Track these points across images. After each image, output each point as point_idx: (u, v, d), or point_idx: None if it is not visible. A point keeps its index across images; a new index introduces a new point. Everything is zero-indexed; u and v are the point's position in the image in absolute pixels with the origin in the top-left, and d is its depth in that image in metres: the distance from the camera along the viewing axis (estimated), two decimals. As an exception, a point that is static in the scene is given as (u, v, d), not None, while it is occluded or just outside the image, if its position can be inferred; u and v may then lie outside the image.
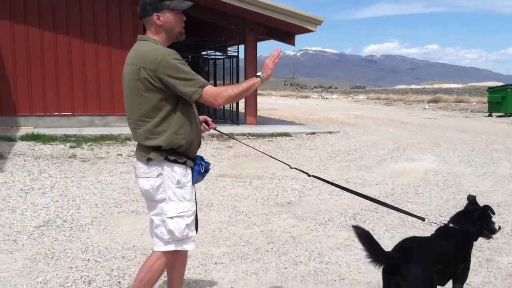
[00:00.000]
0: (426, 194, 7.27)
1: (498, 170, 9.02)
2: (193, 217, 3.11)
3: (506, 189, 7.48)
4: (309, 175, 3.80)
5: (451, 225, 3.28)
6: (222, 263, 4.57)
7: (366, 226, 5.72)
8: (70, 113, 13.98)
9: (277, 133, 13.48)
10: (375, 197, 4.31)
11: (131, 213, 6.18)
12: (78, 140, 11.67)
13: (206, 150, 10.92)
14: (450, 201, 6.85)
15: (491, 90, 23.57)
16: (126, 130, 12.84)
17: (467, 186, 7.74)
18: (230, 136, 4.33)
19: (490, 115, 22.76)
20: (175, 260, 3.27)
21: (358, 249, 4.96)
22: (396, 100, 37.60)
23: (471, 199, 3.49)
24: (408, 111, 27.61)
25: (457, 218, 3.33)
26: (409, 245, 3.01)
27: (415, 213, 3.93)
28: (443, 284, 3.16)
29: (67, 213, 6.09)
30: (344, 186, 4.19)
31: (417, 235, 5.40)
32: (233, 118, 16.26)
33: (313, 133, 13.88)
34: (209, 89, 2.95)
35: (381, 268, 2.88)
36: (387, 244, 5.10)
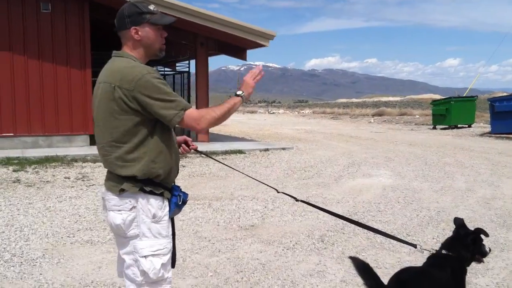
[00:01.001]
0: (389, 212, 7.18)
1: (454, 185, 9.09)
2: (169, 255, 2.79)
3: (466, 205, 7.50)
4: (297, 200, 3.59)
5: (443, 251, 3.11)
6: (191, 298, 4.26)
7: (335, 249, 5.56)
8: (12, 134, 13.21)
9: (231, 150, 13.19)
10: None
11: (86, 243, 5.75)
12: (22, 163, 11.00)
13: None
14: (414, 219, 6.78)
15: (435, 103, 24.19)
16: (72, 151, 12.33)
17: (427, 202, 7.71)
18: (210, 157, 3.93)
19: (434, 128, 23.33)
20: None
21: (331, 275, 4.79)
22: (341, 114, 38.11)
23: (459, 222, 3.34)
24: (354, 124, 27.99)
25: (450, 244, 3.17)
26: (406, 278, 2.82)
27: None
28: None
29: (15, 245, 5.59)
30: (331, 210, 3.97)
31: (387, 256, 5.31)
32: (184, 135, 15.87)
33: (267, 150, 13.71)
34: (191, 113, 2.65)
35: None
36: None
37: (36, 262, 5.07)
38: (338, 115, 37.58)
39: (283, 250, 5.54)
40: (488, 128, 21.28)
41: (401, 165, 11.54)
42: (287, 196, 7.86)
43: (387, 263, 5.08)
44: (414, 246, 3.27)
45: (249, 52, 16.06)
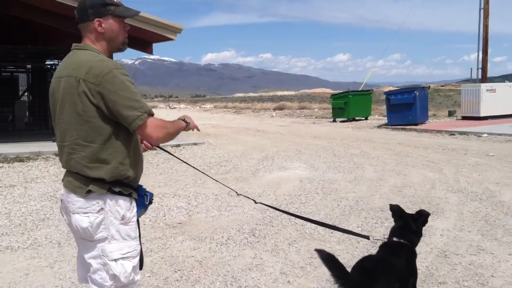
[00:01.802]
0: (311, 203, 7.38)
1: (365, 175, 9.52)
2: (138, 257, 2.69)
3: (381, 193, 7.89)
4: (256, 202, 3.60)
5: (395, 239, 3.25)
6: (133, 300, 4.11)
7: (268, 242, 5.63)
8: None
9: (141, 147, 12.86)
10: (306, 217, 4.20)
11: (5, 249, 5.38)
12: None
13: (48, 170, 10.06)
14: (336, 209, 7.02)
15: (334, 96, 25.19)
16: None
17: (345, 192, 8.02)
18: (172, 154, 3.73)
19: (334, 121, 24.29)
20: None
21: (270, 268, 4.85)
22: (243, 108, 38.55)
23: (396, 208, 3.48)
24: (258, 119, 28.42)
25: (400, 231, 3.30)
26: (369, 266, 2.92)
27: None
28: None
29: None
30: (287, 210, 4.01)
31: (318, 246, 5.44)
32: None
33: (178, 145, 13.54)
34: (154, 119, 2.55)
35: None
36: (295, 259, 5.06)
37: (-46, 273, 4.66)
38: (240, 109, 37.96)
39: (216, 246, 5.52)
40: (383, 120, 22.54)
41: (312, 157, 11.89)
42: (210, 192, 7.85)
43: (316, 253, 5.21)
44: (367, 237, 3.39)
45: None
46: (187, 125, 2.81)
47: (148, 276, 4.63)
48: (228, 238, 5.77)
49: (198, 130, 2.98)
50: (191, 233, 5.97)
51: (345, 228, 6.09)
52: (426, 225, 3.45)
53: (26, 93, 20.53)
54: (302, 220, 6.39)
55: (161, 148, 3.20)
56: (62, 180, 2.72)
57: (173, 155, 3.33)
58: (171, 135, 2.67)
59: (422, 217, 3.36)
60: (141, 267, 2.76)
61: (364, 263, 3.01)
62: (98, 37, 2.62)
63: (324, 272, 4.66)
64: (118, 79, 2.46)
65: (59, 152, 2.67)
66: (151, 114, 2.54)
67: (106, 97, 2.45)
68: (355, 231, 5.95)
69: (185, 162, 3.61)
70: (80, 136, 2.52)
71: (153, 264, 4.95)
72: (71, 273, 4.66)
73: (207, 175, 3.80)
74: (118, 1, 2.65)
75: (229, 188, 3.81)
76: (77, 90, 2.47)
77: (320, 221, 4.27)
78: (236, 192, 3.67)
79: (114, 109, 2.46)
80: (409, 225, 3.31)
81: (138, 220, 2.78)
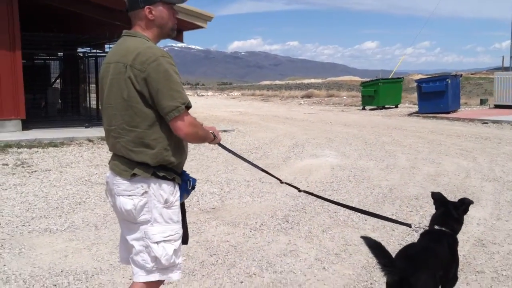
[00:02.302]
0: (344, 191, 7.34)
1: (398, 163, 9.43)
2: (180, 241, 2.72)
3: (415, 182, 7.80)
4: (299, 191, 3.59)
5: (436, 227, 3.21)
6: (170, 283, 4.16)
7: (301, 228, 5.63)
8: None
9: (172, 133, 12.98)
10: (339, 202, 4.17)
11: (44, 231, 5.49)
12: (-50, 150, 10.30)
13: (82, 155, 10.21)
14: (369, 196, 6.98)
15: (364, 84, 24.91)
16: (4, 137, 11.63)
17: (377, 180, 7.96)
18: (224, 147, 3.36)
19: (363, 109, 24.05)
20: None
21: (304, 254, 4.84)
22: (271, 96, 38.45)
23: (438, 196, 3.43)
24: (286, 106, 28.32)
25: (442, 219, 3.26)
26: (413, 254, 2.89)
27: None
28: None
29: (-32, 237, 5.25)
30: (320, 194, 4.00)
31: (353, 233, 5.43)
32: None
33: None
34: (189, 116, 2.57)
35: (389, 280, 2.72)
36: (329, 245, 5.05)
37: (-4, 254, 4.79)
38: (268, 97, 37.87)
39: (250, 231, 5.54)
40: (413, 108, 22.24)
41: (342, 145, 11.82)
42: (241, 178, 7.88)
43: (354, 239, 5.19)
44: (409, 225, 3.35)
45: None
46: (214, 138, 2.86)
47: (185, 260, 4.66)
48: (262, 224, 5.78)
49: (219, 144, 3.05)
50: (224, 219, 6.00)
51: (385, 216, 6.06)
52: (467, 213, 3.39)
53: (58, 80, 20.86)
54: (336, 207, 6.39)
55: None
56: (109, 163, 2.77)
57: (225, 147, 3.31)
58: (199, 138, 2.71)
59: (463, 205, 3.31)
60: (186, 242, 2.82)
61: (409, 251, 2.98)
62: (149, 24, 2.64)
63: (359, 259, 4.66)
64: (163, 68, 2.47)
65: (106, 136, 2.72)
66: (188, 107, 2.55)
67: (150, 84, 2.48)
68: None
69: (238, 155, 3.55)
70: (125, 121, 2.56)
71: (189, 248, 4.98)
72: (108, 255, 4.74)
73: (252, 163, 3.78)
74: None
75: (273, 176, 3.76)
76: (124, 76, 2.51)
77: (368, 210, 4.21)
78: (280, 180, 3.63)
79: (155, 97, 2.49)
80: (450, 213, 3.26)
81: (184, 203, 2.81)
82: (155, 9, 2.61)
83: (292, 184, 3.84)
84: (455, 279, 3.20)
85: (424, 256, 2.88)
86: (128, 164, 2.59)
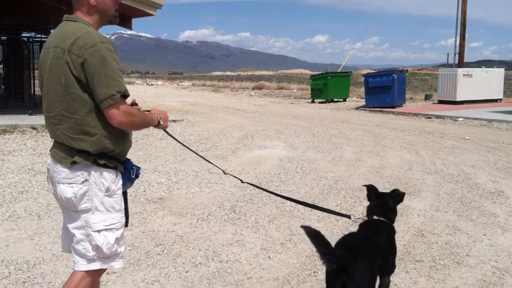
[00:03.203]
0: (291, 182, 7.44)
1: (344, 155, 9.62)
2: (122, 229, 2.70)
3: (359, 173, 7.99)
4: (242, 182, 3.65)
5: (375, 217, 3.31)
6: (115, 273, 4.12)
7: (248, 218, 5.68)
8: None
9: (119, 122, 12.77)
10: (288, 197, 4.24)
11: (-16, 221, 5.33)
12: None
13: (25, 143, 9.94)
14: (315, 188, 7.10)
15: (313, 77, 25.23)
16: None
17: (324, 172, 8.11)
18: (168, 134, 3.31)
19: (313, 101, 24.37)
20: (98, 281, 2.83)
21: (250, 243, 4.90)
22: (222, 86, 38.38)
23: (372, 188, 3.53)
24: (237, 98, 28.34)
25: (379, 209, 3.35)
26: (353, 243, 2.97)
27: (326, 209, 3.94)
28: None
29: None
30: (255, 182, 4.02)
31: (298, 223, 5.51)
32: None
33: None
34: (125, 105, 2.51)
35: (328, 268, 2.78)
36: (275, 235, 5.12)
37: None
38: (219, 88, 37.79)
39: (197, 221, 5.55)
40: (361, 102, 22.71)
41: (291, 137, 11.95)
42: (190, 169, 7.87)
43: (300, 229, 5.26)
44: (348, 217, 3.44)
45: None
46: (158, 124, 2.79)
47: (130, 250, 4.64)
48: (209, 214, 5.80)
49: (165, 130, 2.98)
50: (171, 209, 5.98)
51: (326, 207, 6.18)
52: (401, 204, 3.52)
53: (0, 66, 20.09)
54: (282, 198, 6.48)
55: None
56: (50, 150, 2.71)
57: (169, 134, 3.27)
58: (136, 125, 2.64)
59: (398, 196, 3.43)
60: (126, 223, 2.78)
61: (348, 240, 3.06)
62: (90, 9, 2.59)
63: (303, 248, 4.75)
64: (100, 54, 2.43)
65: (46, 123, 2.66)
66: (125, 96, 2.50)
67: (86, 70, 2.43)
68: (334, 209, 6.07)
69: (183, 144, 3.50)
70: (63, 107, 2.51)
71: (134, 238, 4.96)
72: (51, 245, 4.66)
73: (196, 153, 3.79)
74: None
75: (217, 166, 3.80)
76: (62, 61, 2.46)
77: (305, 201, 4.31)
78: (223, 171, 3.66)
79: (91, 83, 2.44)
80: (387, 204, 3.37)
81: (126, 192, 2.79)
82: None
83: (235, 175, 3.87)
84: (393, 267, 3.31)
85: (363, 245, 2.96)
86: (68, 152, 2.54)
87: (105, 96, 2.43)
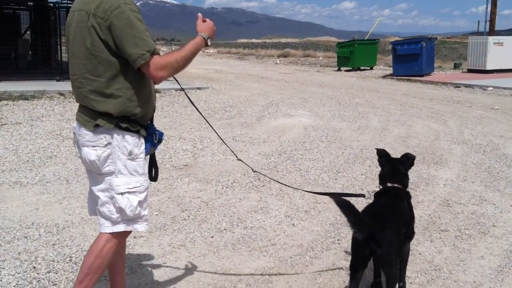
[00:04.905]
0: (315, 150, 7.43)
1: (369, 124, 9.54)
2: (146, 193, 2.73)
3: (385, 143, 7.92)
4: (254, 171, 3.79)
5: (389, 184, 3.28)
6: (142, 237, 4.21)
7: (273, 186, 5.70)
8: None
9: (145, 89, 12.82)
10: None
11: (14, 184, 5.46)
12: None
13: (53, 109, 10.07)
14: (340, 157, 7.08)
15: (340, 45, 24.86)
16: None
17: (349, 141, 8.06)
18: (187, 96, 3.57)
19: (339, 70, 24.07)
20: (124, 243, 2.88)
21: (274, 211, 4.93)
22: (247, 54, 38.15)
23: (384, 153, 3.48)
24: (262, 65, 28.16)
25: (393, 176, 3.31)
26: (379, 212, 2.97)
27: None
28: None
29: None
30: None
31: (322, 191, 5.52)
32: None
33: (182, 89, 13.46)
34: (157, 59, 2.49)
35: (356, 236, 2.79)
36: (299, 203, 5.14)
37: (-35, 206, 4.75)
38: (244, 55, 37.56)
39: (222, 188, 5.60)
40: (388, 71, 22.35)
41: (316, 105, 11.87)
42: (215, 136, 7.91)
43: (324, 198, 5.28)
44: (363, 195, 3.43)
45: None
46: (206, 44, 2.72)
47: (156, 215, 4.72)
48: (234, 181, 5.84)
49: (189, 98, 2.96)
50: (197, 175, 6.04)
51: (349, 175, 6.18)
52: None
53: (28, 32, 20.24)
54: (307, 165, 6.48)
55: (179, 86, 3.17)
56: (76, 114, 2.75)
57: (188, 96, 3.29)
58: (181, 67, 2.59)
59: (409, 160, 3.39)
60: (155, 178, 2.93)
61: (374, 208, 3.06)
62: None
63: (327, 216, 4.77)
64: (125, 15, 2.43)
65: (71, 86, 2.68)
66: (155, 54, 2.49)
67: (113, 32, 2.44)
68: (358, 178, 6.07)
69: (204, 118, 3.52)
70: (87, 70, 2.53)
71: (161, 204, 5.03)
72: (80, 209, 4.76)
73: (215, 131, 3.79)
74: None
75: (232, 151, 3.85)
76: (87, 24, 2.47)
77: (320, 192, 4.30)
78: (236, 157, 3.66)
79: (120, 45, 2.45)
80: (399, 169, 3.34)
81: (154, 154, 2.83)
82: None
83: (247, 164, 3.94)
84: (412, 234, 3.31)
85: (389, 213, 2.96)
86: (91, 115, 2.57)
87: (136, 56, 2.44)
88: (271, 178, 4.16)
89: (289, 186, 4.67)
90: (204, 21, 2.80)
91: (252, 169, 3.73)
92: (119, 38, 2.44)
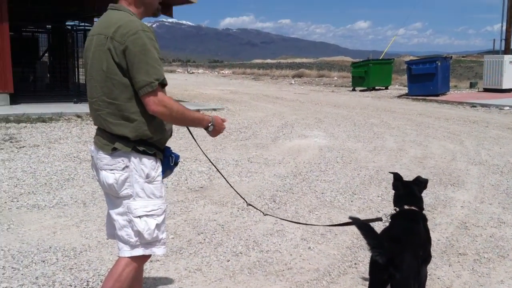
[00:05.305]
0: (331, 172, 7.41)
1: (385, 145, 9.51)
2: (163, 216, 2.75)
3: (401, 164, 7.89)
4: (264, 214, 3.78)
5: (406, 207, 3.27)
6: (158, 261, 4.22)
7: (288, 208, 5.69)
8: None
9: (161, 111, 12.95)
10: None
11: (32, 208, 5.51)
12: None
13: (71, 131, 10.19)
14: (356, 178, 7.05)
15: (354, 65, 24.89)
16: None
17: (365, 162, 8.03)
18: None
19: (353, 90, 24.08)
20: (142, 268, 2.90)
21: (290, 234, 4.91)
22: (262, 74, 38.35)
23: (398, 176, 3.50)
24: (276, 86, 28.28)
25: (409, 199, 3.31)
26: (397, 235, 2.95)
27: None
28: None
29: (-44, 212, 5.26)
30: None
31: (339, 214, 5.50)
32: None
33: (198, 111, 13.51)
34: (163, 95, 2.55)
35: (376, 259, 2.77)
36: (315, 226, 5.11)
37: (-16, 229, 4.81)
38: (259, 76, 37.78)
39: (238, 211, 5.60)
40: (403, 90, 22.30)
41: (331, 126, 11.87)
42: (230, 158, 7.93)
43: (340, 220, 5.27)
44: (380, 219, 3.42)
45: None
46: (208, 126, 2.83)
47: (172, 238, 4.73)
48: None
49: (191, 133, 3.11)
50: (212, 198, 6.05)
51: (365, 197, 6.14)
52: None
53: (46, 54, 20.60)
54: (323, 187, 6.47)
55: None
56: (94, 137, 2.79)
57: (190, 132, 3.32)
58: (174, 118, 2.64)
59: (422, 183, 3.40)
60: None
61: (392, 231, 3.05)
62: (136, 0, 2.64)
63: (344, 240, 4.74)
64: (141, 41, 2.48)
65: (89, 109, 2.74)
66: (163, 84, 2.54)
67: (127, 57, 2.49)
68: (374, 200, 6.03)
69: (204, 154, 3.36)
70: (104, 92, 2.58)
71: (177, 226, 5.04)
72: (97, 232, 4.78)
73: (220, 172, 3.81)
74: None
75: (240, 196, 3.84)
76: (104, 48, 2.53)
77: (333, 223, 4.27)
78: (246, 202, 3.65)
79: (131, 70, 2.50)
80: (415, 192, 3.34)
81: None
82: None
83: (258, 208, 3.97)
84: (429, 257, 3.28)
85: (407, 236, 2.94)
86: (109, 139, 2.62)
87: (144, 83, 2.48)
88: (282, 219, 4.13)
89: (301, 223, 4.64)
90: (223, 120, 2.96)
91: (263, 213, 3.78)
92: (131, 63, 2.49)
